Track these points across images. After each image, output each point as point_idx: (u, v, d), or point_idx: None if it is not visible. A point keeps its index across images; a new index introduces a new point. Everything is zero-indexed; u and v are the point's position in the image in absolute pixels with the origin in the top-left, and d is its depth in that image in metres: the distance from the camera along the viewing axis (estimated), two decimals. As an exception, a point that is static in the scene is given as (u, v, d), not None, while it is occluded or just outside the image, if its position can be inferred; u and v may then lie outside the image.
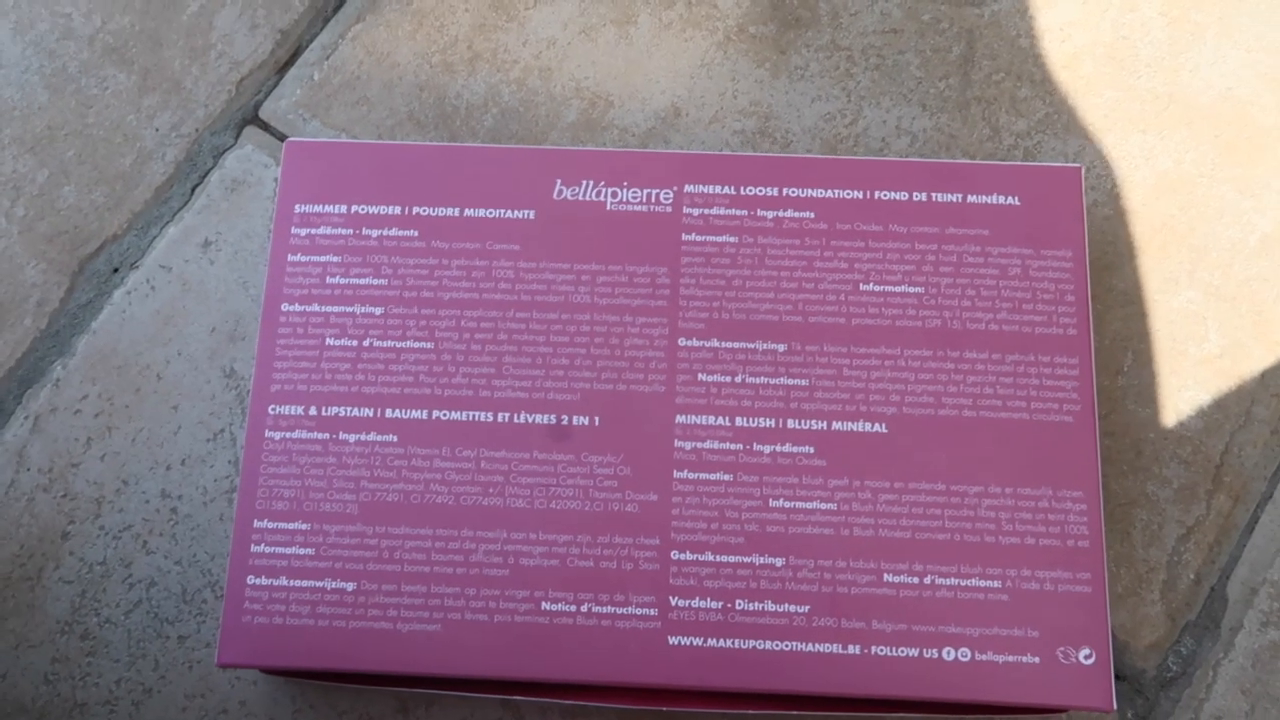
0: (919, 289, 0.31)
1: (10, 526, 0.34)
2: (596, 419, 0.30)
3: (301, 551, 0.30)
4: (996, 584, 0.29)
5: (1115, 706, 0.29)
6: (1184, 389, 0.35)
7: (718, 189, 0.32)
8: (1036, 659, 0.29)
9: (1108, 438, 0.34)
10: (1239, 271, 0.36)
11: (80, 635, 0.33)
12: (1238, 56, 0.38)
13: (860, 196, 0.32)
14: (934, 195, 0.32)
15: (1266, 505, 0.34)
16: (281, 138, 0.38)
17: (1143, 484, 0.34)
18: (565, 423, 0.30)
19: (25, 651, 0.33)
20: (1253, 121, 0.37)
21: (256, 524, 0.30)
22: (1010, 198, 0.32)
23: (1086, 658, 0.28)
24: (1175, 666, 0.32)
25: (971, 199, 0.32)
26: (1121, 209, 0.36)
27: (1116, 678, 0.32)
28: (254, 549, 0.30)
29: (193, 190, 0.38)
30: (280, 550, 0.30)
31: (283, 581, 0.30)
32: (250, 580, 0.30)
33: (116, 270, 0.37)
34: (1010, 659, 0.28)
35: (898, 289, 0.31)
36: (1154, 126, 0.37)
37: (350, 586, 0.29)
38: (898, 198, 0.32)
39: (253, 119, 0.39)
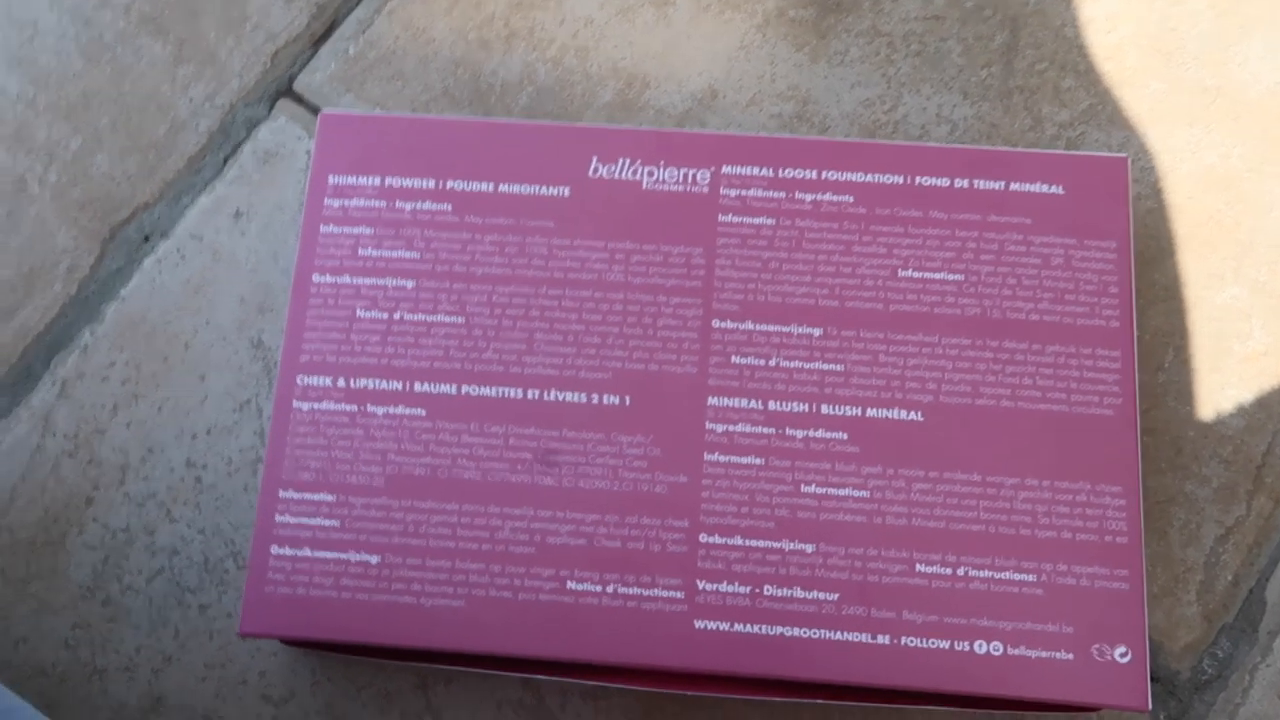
0: (959, 276, 0.31)
1: (35, 491, 0.34)
2: (627, 399, 0.30)
3: (326, 523, 0.30)
4: (1031, 578, 0.28)
5: (1150, 707, 0.29)
6: (1226, 386, 0.34)
7: (756, 170, 0.32)
8: (1070, 655, 0.28)
9: (1147, 435, 0.33)
10: (1285, 270, 0.35)
11: (101, 601, 0.33)
12: (1289, 51, 0.37)
13: (900, 181, 0.32)
14: (976, 182, 0.31)
15: (1308, 508, 0.33)
16: (315, 111, 0.38)
17: (1181, 482, 0.33)
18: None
19: (47, 616, 0.33)
20: (1303, 117, 0.36)
21: (282, 494, 0.30)
22: (1054, 186, 0.31)
23: (1122, 656, 0.28)
24: (1211, 669, 0.32)
25: (1014, 187, 0.31)
26: (1165, 203, 0.35)
27: (1152, 679, 0.32)
28: (279, 519, 0.30)
29: (225, 161, 0.38)
30: (305, 521, 0.30)
31: (306, 552, 0.29)
32: (274, 550, 0.29)
33: (147, 238, 0.37)
34: (1043, 655, 0.28)
35: (937, 276, 0.31)
36: (1201, 120, 0.36)
37: (374, 560, 0.29)
38: (939, 184, 0.31)
39: (287, 92, 0.38)
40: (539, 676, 0.30)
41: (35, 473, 0.34)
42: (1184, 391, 0.34)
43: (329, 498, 0.30)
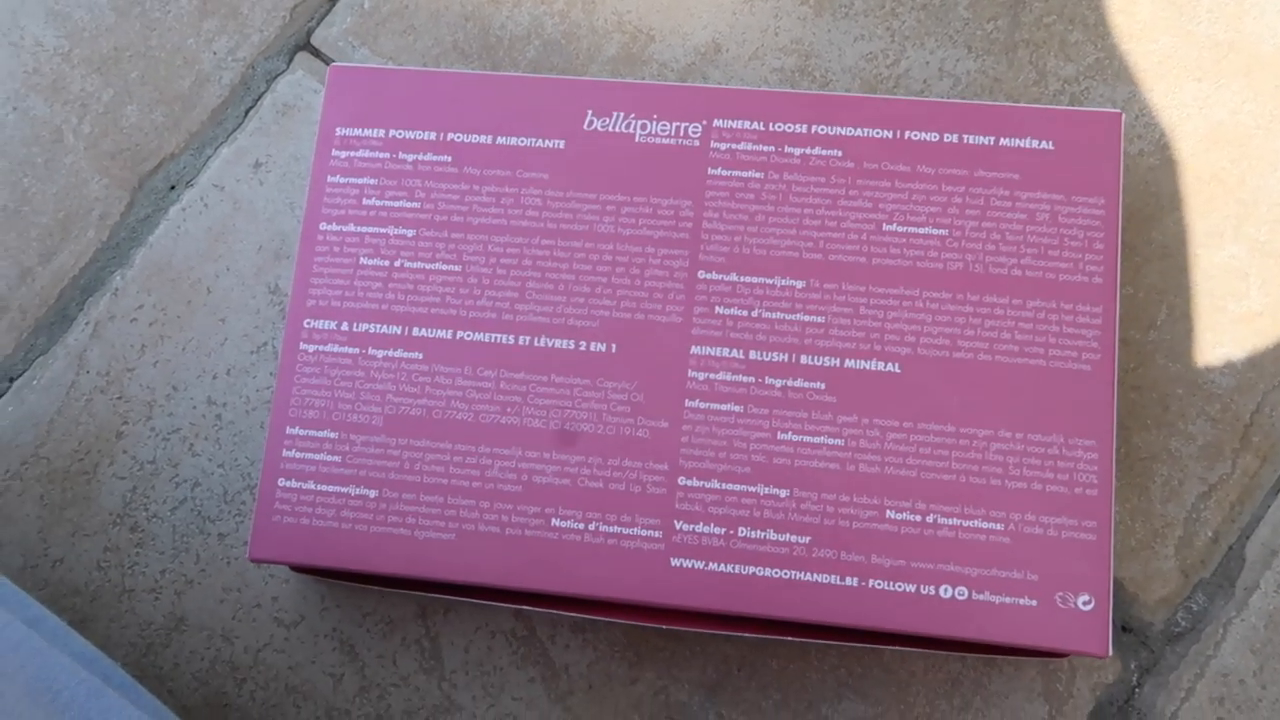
0: (943, 231, 0.31)
1: (70, 424, 0.37)
2: (614, 346, 0.31)
3: (329, 458, 0.31)
4: (999, 526, 0.29)
5: (1111, 653, 0.29)
6: (1219, 345, 0.34)
7: (747, 124, 0.32)
8: (1034, 602, 0.29)
9: (1134, 391, 0.34)
10: (1288, 228, 0.34)
11: (130, 528, 0.36)
12: (1307, 3, 0.36)
13: (890, 136, 0.32)
14: (965, 137, 0.32)
15: (1295, 468, 0.33)
16: (331, 64, 0.39)
17: (1166, 439, 0.33)
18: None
19: (80, 539, 0.36)
20: (1317, 72, 0.35)
21: (289, 430, 0.32)
22: (1044, 142, 0.31)
23: (1085, 604, 0.29)
24: (1184, 622, 0.32)
25: (1004, 142, 0.32)
26: (1168, 159, 0.35)
27: (1124, 630, 0.32)
28: (285, 454, 0.32)
29: (246, 113, 0.39)
30: (310, 456, 0.31)
31: (311, 485, 0.31)
32: (281, 483, 0.31)
33: (173, 188, 0.39)
34: (1008, 600, 0.29)
35: (921, 230, 0.31)
36: (1210, 75, 0.36)
37: (373, 494, 0.31)
38: (928, 138, 0.32)
39: (305, 45, 0.40)
40: (525, 608, 0.31)
41: (70, 407, 0.37)
42: (1175, 349, 0.34)
43: (332, 435, 0.32)
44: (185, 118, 0.39)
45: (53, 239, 0.38)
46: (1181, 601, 0.32)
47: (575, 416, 0.31)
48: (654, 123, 0.33)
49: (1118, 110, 0.32)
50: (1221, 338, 0.34)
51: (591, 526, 0.30)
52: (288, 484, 0.31)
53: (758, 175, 0.32)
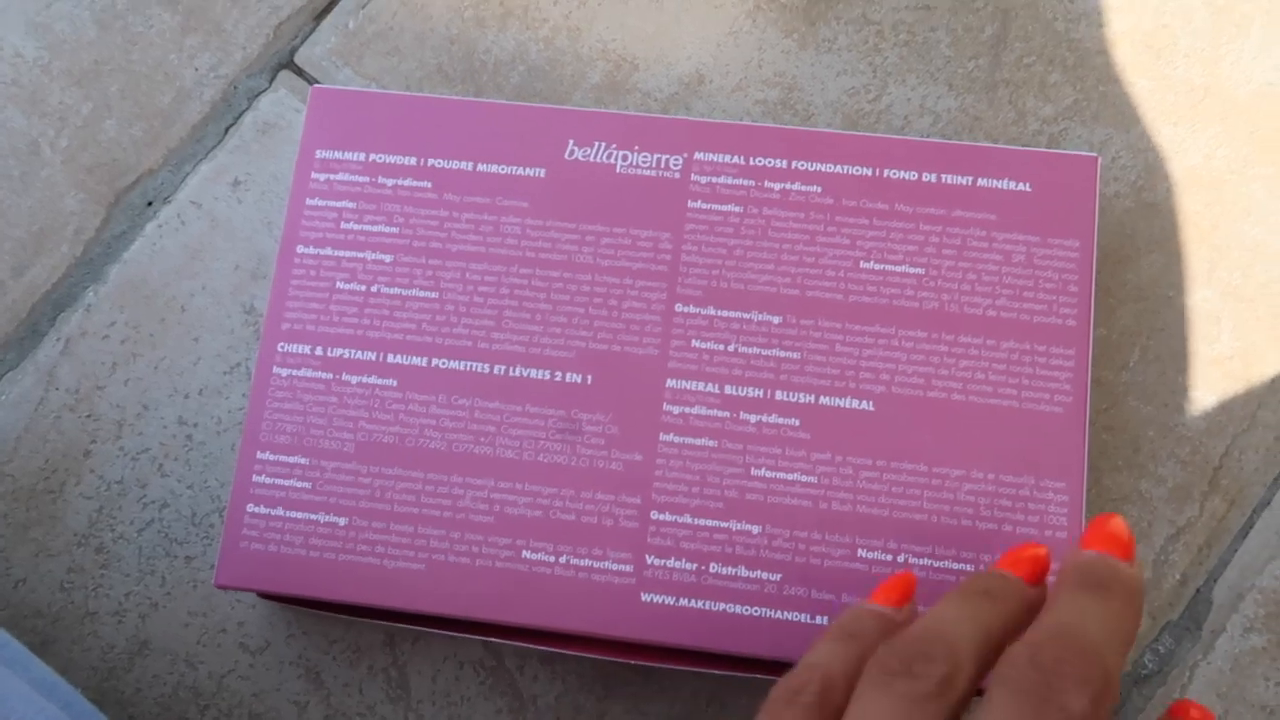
0: (920, 270, 0.31)
1: (37, 442, 0.36)
2: (589, 378, 0.31)
3: (299, 485, 0.31)
4: (969, 568, 0.29)
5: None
6: (1190, 388, 0.34)
7: (727, 158, 0.32)
8: (1003, 644, 0.29)
9: (1106, 432, 0.34)
10: (1260, 273, 0.35)
11: (95, 549, 0.35)
12: (1282, 51, 0.37)
13: (869, 174, 0.32)
14: (944, 177, 0.32)
15: (1263, 512, 0.33)
16: (315, 84, 0.39)
17: (1136, 481, 0.33)
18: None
19: (44, 560, 0.35)
20: (1291, 119, 0.36)
21: (259, 455, 0.31)
22: (1021, 184, 0.32)
23: (1053, 647, 0.29)
24: (1152, 664, 0.32)
25: (982, 183, 0.32)
26: (1144, 202, 0.36)
27: (1092, 670, 0.32)
28: (255, 479, 0.31)
29: (226, 130, 0.39)
30: (280, 482, 0.31)
31: (280, 512, 0.31)
32: (250, 508, 0.31)
33: (150, 204, 0.38)
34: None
35: (898, 269, 0.31)
36: (1186, 119, 0.36)
37: (342, 521, 0.31)
38: (907, 177, 0.32)
39: (288, 64, 0.40)
40: (494, 640, 0.31)
41: (38, 424, 0.36)
42: (1147, 391, 0.34)
43: (303, 461, 0.31)
44: (165, 134, 0.39)
45: (26, 252, 0.38)
46: (1149, 644, 0.32)
47: (549, 447, 0.31)
48: (635, 154, 0.33)
49: (1094, 154, 0.32)
50: (1193, 380, 0.34)
51: (563, 559, 0.30)
52: (256, 509, 0.31)
53: (737, 209, 0.32)
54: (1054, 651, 0.20)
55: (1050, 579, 0.26)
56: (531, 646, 0.31)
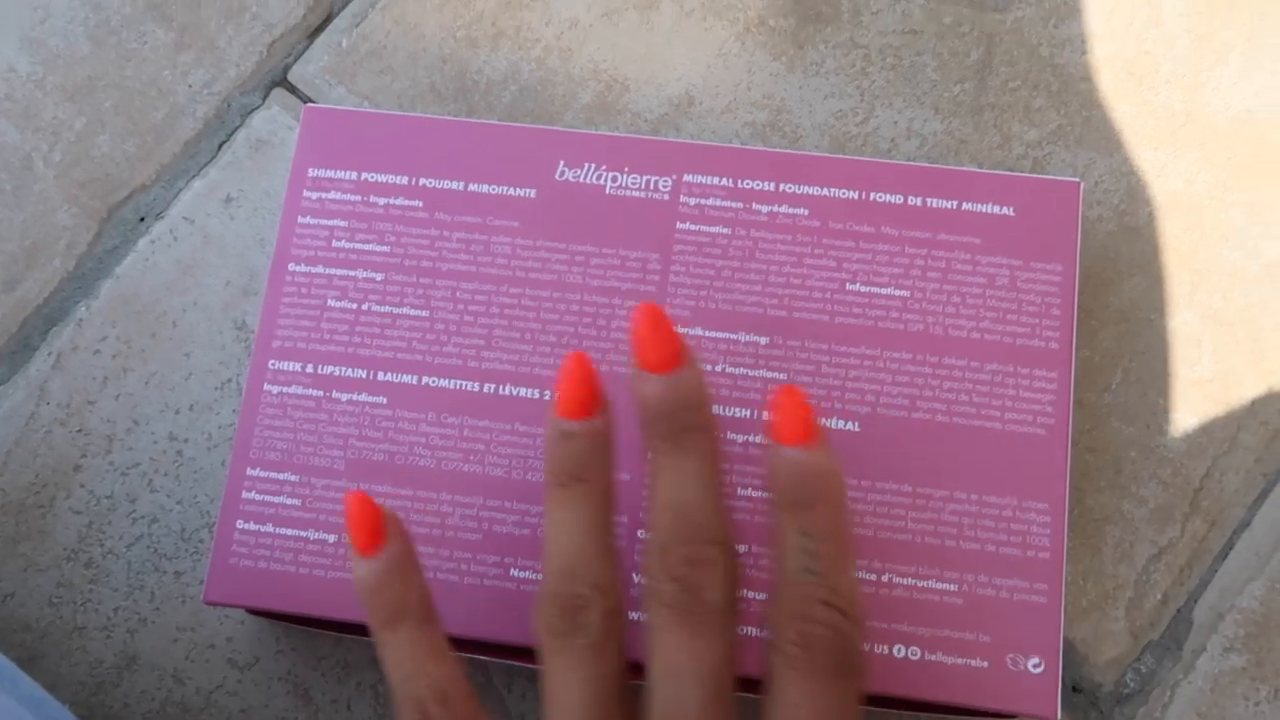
0: (905, 292, 0.32)
1: (28, 456, 0.36)
2: (578, 396, 0.31)
3: (289, 501, 0.31)
4: (953, 587, 0.30)
5: (1060, 715, 0.30)
6: (1171, 410, 0.35)
7: (716, 180, 0.33)
8: (985, 663, 0.29)
9: (1088, 453, 0.34)
10: (1240, 297, 0.35)
11: (84, 563, 0.35)
12: (1262, 79, 0.37)
13: (856, 197, 0.32)
14: (929, 201, 0.32)
15: (1243, 533, 0.34)
16: (308, 101, 0.39)
17: (1119, 501, 0.34)
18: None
19: (33, 574, 0.35)
20: (1270, 145, 0.37)
21: (249, 471, 0.32)
22: (1005, 208, 0.32)
23: (1035, 666, 0.29)
24: (1133, 683, 0.33)
25: (966, 206, 0.32)
26: (1125, 225, 0.36)
27: (1074, 690, 0.33)
28: (245, 495, 0.31)
29: (219, 147, 0.39)
30: (269, 499, 0.31)
31: (269, 528, 0.31)
32: (239, 525, 0.31)
33: (143, 219, 0.39)
34: (959, 661, 0.29)
35: (884, 291, 0.32)
36: (1167, 144, 0.37)
37: (332, 538, 0.31)
38: (892, 200, 0.32)
39: (281, 81, 0.40)
40: (482, 657, 0.31)
41: (29, 439, 0.36)
42: (1129, 413, 0.35)
43: (293, 478, 0.31)
44: (157, 149, 0.39)
45: (18, 267, 0.38)
46: (1131, 663, 0.33)
47: (538, 466, 0.31)
48: (625, 175, 0.33)
49: (1077, 180, 0.33)
50: (1174, 402, 0.35)
51: (550, 577, 0.30)
52: (246, 526, 0.31)
53: (725, 231, 0.32)
54: (679, 552, 0.23)
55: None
56: (519, 664, 0.32)
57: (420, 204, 0.33)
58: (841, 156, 0.33)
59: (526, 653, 0.31)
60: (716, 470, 0.25)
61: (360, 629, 0.32)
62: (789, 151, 0.33)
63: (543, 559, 0.25)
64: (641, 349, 0.25)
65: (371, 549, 0.25)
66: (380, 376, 0.32)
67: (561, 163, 0.33)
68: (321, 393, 0.32)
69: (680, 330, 0.31)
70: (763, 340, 0.32)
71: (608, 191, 0.33)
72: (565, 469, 0.25)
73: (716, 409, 0.31)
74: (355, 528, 0.25)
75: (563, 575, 0.24)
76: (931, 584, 0.30)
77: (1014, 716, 0.30)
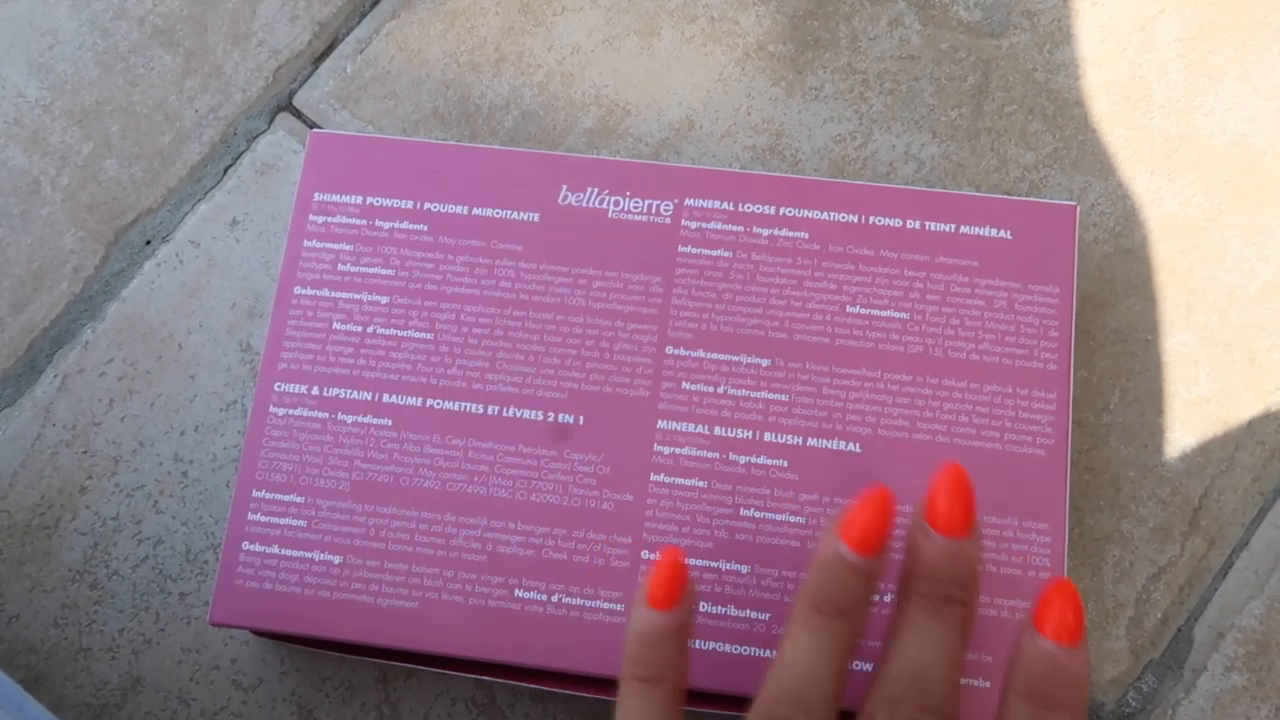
0: (904, 315, 0.32)
1: (33, 478, 0.36)
2: (581, 418, 0.32)
3: (294, 523, 0.31)
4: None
5: (1062, 736, 0.30)
6: (1169, 430, 0.35)
7: (717, 204, 0.33)
8: (987, 684, 0.29)
9: (1088, 473, 0.35)
10: (1236, 318, 0.36)
11: (90, 585, 0.35)
12: (1254, 103, 0.38)
13: (855, 220, 0.33)
14: (927, 224, 0.33)
15: (1242, 551, 0.34)
16: (313, 126, 0.40)
17: (1118, 521, 0.34)
18: (568, 421, 0.31)
19: (38, 595, 0.35)
20: (1263, 168, 0.37)
21: (255, 493, 0.32)
22: (1003, 231, 0.33)
23: (1036, 686, 0.29)
24: (1135, 702, 0.33)
25: (964, 230, 0.33)
26: (1122, 248, 0.37)
27: (1075, 709, 0.33)
28: (251, 517, 0.32)
29: (225, 171, 0.40)
30: (275, 520, 0.32)
31: (275, 550, 0.31)
32: (245, 546, 0.31)
33: (149, 242, 0.39)
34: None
35: (884, 313, 0.32)
36: (1162, 168, 0.37)
37: (337, 560, 0.31)
38: (891, 224, 0.33)
39: (286, 106, 0.40)
40: (487, 678, 0.31)
41: (34, 461, 0.37)
42: (1127, 433, 0.35)
43: (298, 499, 0.32)
44: (164, 173, 0.40)
45: (25, 290, 0.39)
46: (1132, 682, 0.33)
47: (542, 488, 0.31)
48: (627, 199, 0.34)
49: (1073, 203, 0.33)
50: (1172, 422, 0.35)
51: (554, 598, 0.30)
52: (251, 547, 0.32)
53: (726, 254, 0.33)
54: (908, 711, 0.24)
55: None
56: (523, 684, 0.32)
57: (425, 228, 0.34)
58: (841, 181, 0.34)
59: (530, 673, 0.31)
60: (964, 648, 0.25)
61: (363, 650, 0.32)
62: (789, 176, 0.34)
63: (769, 675, 0.25)
64: (936, 508, 0.25)
65: (668, 605, 0.25)
66: (385, 399, 0.32)
67: (564, 187, 0.34)
68: (327, 415, 0.32)
69: (685, 353, 0.32)
70: (764, 362, 0.32)
71: (610, 215, 0.33)
72: (834, 599, 0.25)
73: (719, 430, 0.31)
74: (660, 581, 0.25)
75: (789, 697, 0.24)
76: (933, 604, 0.30)
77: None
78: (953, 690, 0.24)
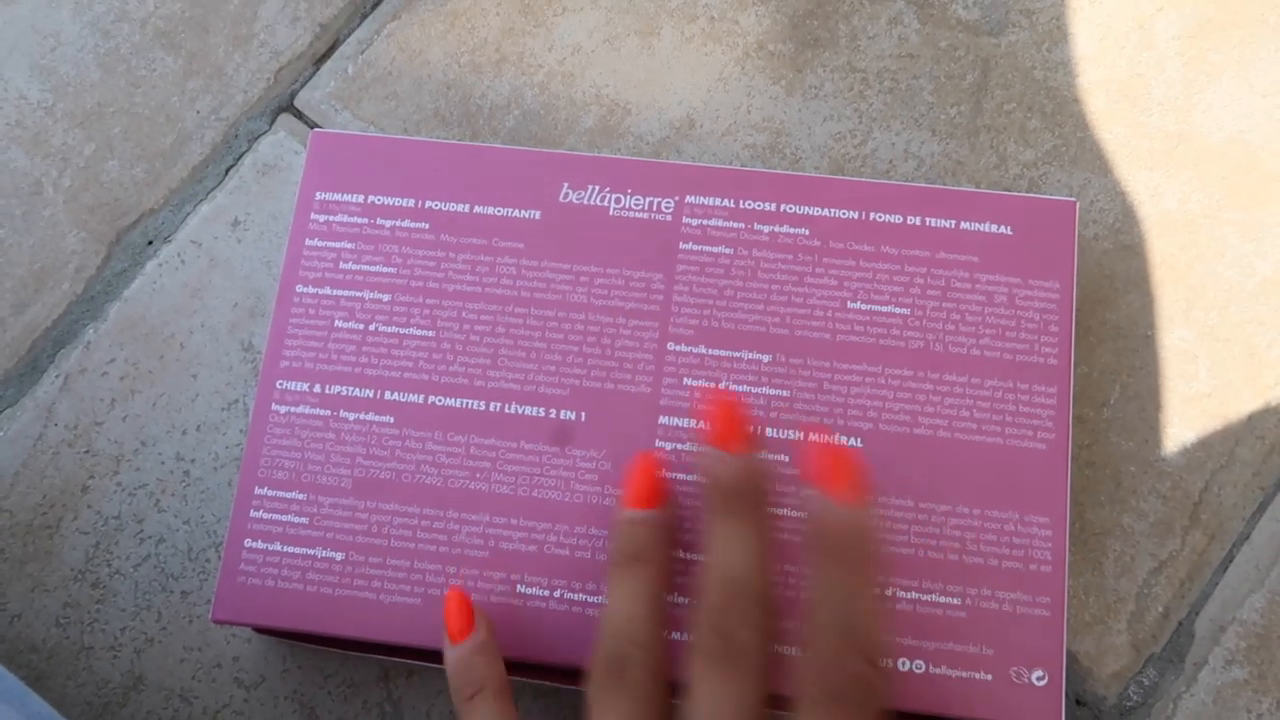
0: (905, 310, 0.32)
1: (35, 477, 0.36)
2: (583, 415, 0.32)
3: (297, 520, 0.32)
4: (956, 600, 0.30)
5: (1064, 729, 0.30)
6: (1169, 425, 0.35)
7: (718, 201, 0.33)
8: (989, 676, 0.29)
9: (1088, 468, 0.35)
10: (1235, 313, 0.36)
11: (91, 584, 0.35)
12: (1252, 100, 0.38)
13: (855, 217, 0.33)
14: (928, 220, 0.33)
15: (1243, 545, 0.34)
16: (314, 127, 0.40)
17: (1119, 515, 0.34)
18: (568, 419, 0.31)
19: (40, 595, 0.35)
20: (1261, 165, 0.37)
21: (257, 491, 0.32)
22: (1003, 227, 0.33)
23: (1039, 679, 0.29)
24: (1136, 696, 0.33)
25: (964, 225, 0.33)
26: (1121, 244, 0.37)
27: (1077, 703, 0.33)
28: (253, 514, 0.32)
29: (227, 171, 0.40)
30: (277, 517, 0.32)
31: (277, 547, 0.31)
32: (247, 544, 0.32)
33: (151, 243, 0.39)
34: (964, 674, 0.29)
35: (884, 309, 0.32)
36: (1161, 165, 0.37)
37: (339, 556, 0.31)
38: (892, 220, 0.33)
39: (288, 107, 0.40)
40: (489, 673, 0.31)
41: (36, 460, 0.37)
42: (1127, 428, 0.35)
43: (300, 496, 0.32)
44: (166, 174, 0.40)
45: (27, 290, 0.39)
46: (1133, 676, 0.33)
47: (543, 484, 0.31)
48: (628, 197, 0.34)
49: (1073, 199, 0.33)
50: (1172, 417, 0.35)
51: (557, 594, 0.31)
52: (254, 545, 0.32)
53: (727, 251, 0.33)
54: (714, 599, 0.25)
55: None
56: (526, 680, 0.32)
57: (426, 226, 0.34)
58: (841, 177, 0.34)
59: (532, 668, 0.31)
60: (766, 542, 0.27)
61: (366, 646, 0.32)
62: (790, 173, 0.34)
63: (596, 631, 0.27)
64: (714, 429, 0.27)
65: (461, 636, 0.28)
66: (387, 396, 0.32)
67: (565, 185, 0.34)
68: (329, 412, 0.32)
69: (687, 349, 0.32)
70: (765, 358, 0.32)
71: (611, 213, 0.34)
72: (627, 551, 0.27)
73: (720, 426, 0.31)
74: (451, 618, 0.29)
75: (612, 636, 0.26)
76: (935, 598, 0.30)
77: (1018, 730, 0.30)
78: (761, 578, 0.26)
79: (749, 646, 0.25)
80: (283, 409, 0.32)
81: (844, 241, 0.33)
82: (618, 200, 0.34)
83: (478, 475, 0.31)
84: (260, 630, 0.33)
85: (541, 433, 0.32)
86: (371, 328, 0.33)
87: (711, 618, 0.25)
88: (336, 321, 0.33)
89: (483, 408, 0.32)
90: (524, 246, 0.33)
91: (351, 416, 0.32)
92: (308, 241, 0.34)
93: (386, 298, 0.33)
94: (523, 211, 0.34)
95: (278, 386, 0.33)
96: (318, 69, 0.41)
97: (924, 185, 0.33)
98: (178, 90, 0.41)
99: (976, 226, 0.33)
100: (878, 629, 0.25)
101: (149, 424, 0.37)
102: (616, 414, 0.32)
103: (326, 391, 0.32)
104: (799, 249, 0.33)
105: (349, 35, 0.41)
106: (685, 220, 0.33)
